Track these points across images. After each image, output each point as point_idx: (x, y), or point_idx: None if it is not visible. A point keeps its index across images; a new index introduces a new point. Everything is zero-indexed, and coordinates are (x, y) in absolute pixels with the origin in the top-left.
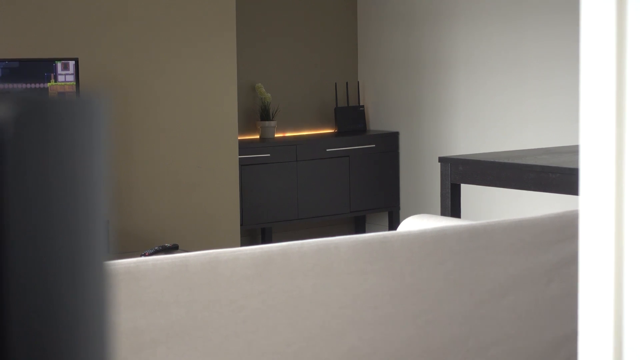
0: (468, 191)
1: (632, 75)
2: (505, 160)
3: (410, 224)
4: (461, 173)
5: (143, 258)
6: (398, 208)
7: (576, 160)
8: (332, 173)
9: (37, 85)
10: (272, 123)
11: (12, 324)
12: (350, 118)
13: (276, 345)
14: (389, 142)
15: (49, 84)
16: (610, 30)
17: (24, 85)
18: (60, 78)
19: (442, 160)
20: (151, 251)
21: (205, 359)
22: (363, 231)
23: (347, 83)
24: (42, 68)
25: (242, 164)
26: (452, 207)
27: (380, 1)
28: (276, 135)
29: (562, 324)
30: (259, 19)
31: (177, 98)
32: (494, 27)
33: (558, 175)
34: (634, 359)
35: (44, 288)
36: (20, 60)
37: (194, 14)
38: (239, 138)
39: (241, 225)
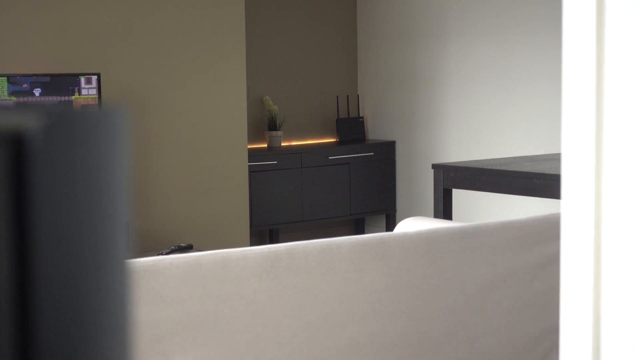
0: (459, 196)
1: (609, 91)
2: (493, 167)
3: (406, 226)
4: (453, 179)
5: (160, 257)
6: (394, 211)
7: (558, 167)
8: (334, 179)
9: (63, 98)
10: (279, 133)
11: (42, 317)
12: (350, 128)
13: (282, 336)
14: (386, 151)
15: (73, 97)
16: (589, 51)
17: (51, 98)
18: (84, 92)
19: (435, 167)
20: (168, 250)
21: (217, 349)
22: (362, 232)
23: (347, 96)
24: (67, 82)
25: (251, 171)
26: (444, 210)
27: (378, 21)
28: (282, 144)
29: (545, 317)
30: (267, 38)
31: (191, 110)
32: (482, 45)
33: (541, 181)
34: (611, 350)
35: (71, 285)
36: (47, 75)
37: (208, 33)
38: (249, 147)
39: (250, 226)
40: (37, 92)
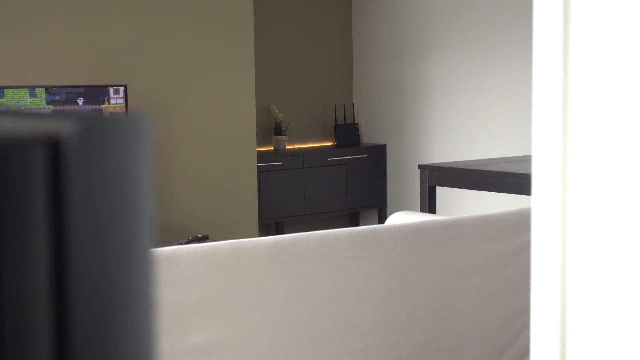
0: (442, 192)
1: (573, 103)
2: (472, 167)
3: (395, 219)
4: (436, 178)
5: (180, 246)
6: (385, 206)
7: (529, 167)
8: (332, 178)
9: (93, 107)
10: (284, 137)
11: (78, 299)
12: (346, 133)
13: (287, 316)
14: (378, 153)
15: (103, 106)
16: (556, 66)
17: (83, 107)
18: (113, 101)
19: (421, 167)
20: (186, 241)
21: (230, 328)
22: (357, 224)
23: (344, 105)
24: (98, 93)
25: (260, 171)
26: (429, 206)
27: (371, 40)
28: (287, 147)
29: (518, 299)
30: (273, 54)
31: (207, 117)
32: (461, 60)
33: (514, 180)
34: (576, 327)
35: (102, 272)
36: (81, 87)
37: (221, 50)
38: (257, 149)
39: (259, 219)
40: (80, 101)
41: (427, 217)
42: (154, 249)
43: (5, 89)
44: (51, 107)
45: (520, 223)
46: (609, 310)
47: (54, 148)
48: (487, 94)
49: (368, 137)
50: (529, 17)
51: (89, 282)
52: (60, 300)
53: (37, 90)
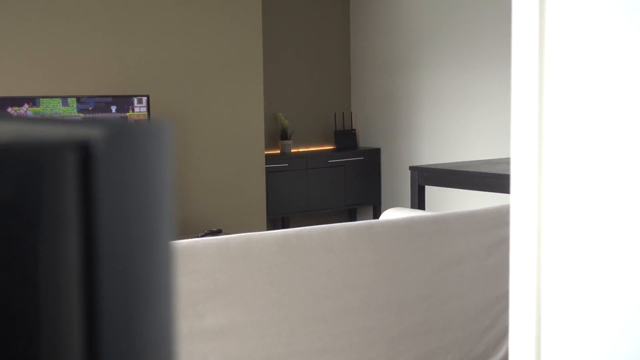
0: (430, 191)
1: (548, 112)
2: (458, 169)
3: (389, 215)
4: (425, 178)
5: (196, 239)
6: (380, 203)
7: (509, 169)
8: (332, 178)
9: (119, 115)
10: (289, 142)
11: (106, 286)
12: (345, 138)
13: (292, 301)
14: (373, 156)
15: (127, 114)
16: (532, 78)
17: (109, 115)
18: (136, 109)
19: (411, 168)
20: (202, 234)
21: (241, 311)
22: (354, 219)
23: (343, 113)
24: (123, 102)
25: (268, 172)
26: (419, 202)
27: (366, 54)
28: (292, 151)
29: (498, 286)
30: (279, 67)
31: (220, 124)
32: (448, 72)
33: (495, 179)
34: (549, 311)
35: (128, 262)
36: (108, 97)
37: (233, 64)
38: (265, 153)
39: (267, 215)
40: (113, 108)
41: (417, 213)
42: (173, 242)
43: (40, 99)
44: (81, 115)
45: (500, 218)
46: (579, 295)
47: (84, 151)
48: (470, 103)
49: (364, 141)
50: (507, 36)
51: (117, 272)
52: (91, 289)
53: (69, 100)
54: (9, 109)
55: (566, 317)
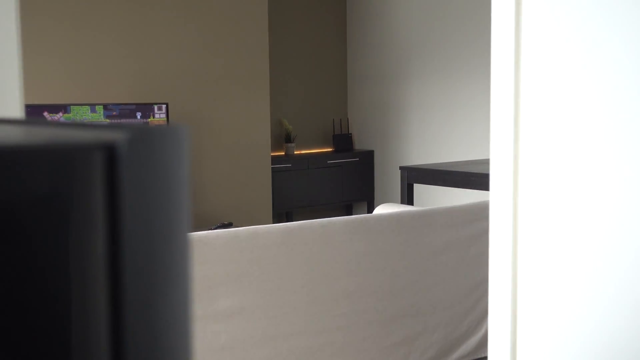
0: (418, 188)
1: (524, 118)
2: (443, 168)
3: (381, 209)
4: (414, 176)
5: (209, 231)
6: (373, 199)
7: (488, 168)
8: (331, 177)
9: (141, 120)
10: (292, 144)
11: (130, 273)
12: (342, 141)
13: (295, 286)
14: (367, 157)
15: (149, 120)
16: (509, 88)
17: (132, 121)
18: (157, 116)
19: (401, 168)
20: (214, 227)
21: (249, 295)
22: (350, 214)
23: (340, 119)
24: (145, 109)
25: (273, 171)
26: (408, 199)
27: (361, 66)
28: (295, 152)
29: (478, 273)
30: (284, 77)
31: (230, 128)
32: (434, 82)
33: (476, 178)
34: (524, 295)
35: (150, 251)
36: (132, 104)
37: (242, 74)
38: (271, 154)
39: (272, 209)
40: (138, 115)
41: (406, 208)
42: (189, 233)
43: (71, 106)
44: (108, 120)
45: (480, 212)
46: (551, 281)
47: (110, 152)
48: (454, 110)
49: (359, 144)
50: (487, 50)
51: (139, 261)
52: (116, 276)
53: (97, 107)
54: (45, 114)
55: (539, 300)
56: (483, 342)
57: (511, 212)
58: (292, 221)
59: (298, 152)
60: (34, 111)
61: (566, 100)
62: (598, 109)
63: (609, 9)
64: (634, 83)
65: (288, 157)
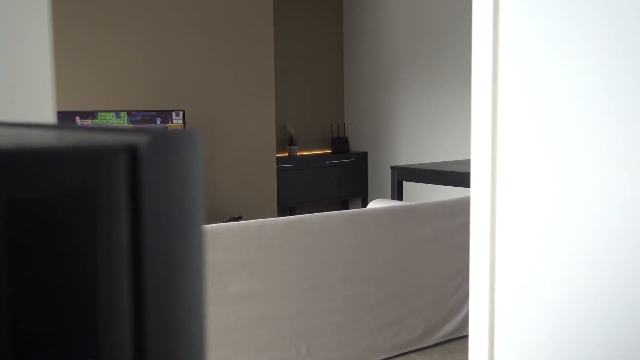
0: (407, 186)
1: (501, 124)
2: (429, 168)
3: (374, 204)
4: (403, 175)
5: (221, 224)
6: (367, 195)
7: (469, 168)
8: (329, 175)
9: (160, 125)
10: (295, 147)
11: (151, 261)
12: (339, 144)
13: (297, 271)
14: (362, 158)
15: (167, 125)
16: (487, 96)
17: (153, 126)
18: (174, 121)
19: (392, 168)
20: (226, 220)
21: (257, 280)
22: (347, 208)
23: (337, 124)
24: (164, 115)
25: (278, 170)
26: (398, 195)
27: (357, 77)
28: (297, 154)
29: (460, 260)
30: (288, 87)
31: (240, 132)
32: (422, 90)
33: (459, 176)
34: (501, 279)
35: (169, 242)
36: (153, 111)
37: (251, 84)
38: (277, 155)
39: (278, 204)
40: (158, 120)
41: (396, 203)
42: (204, 226)
43: (98, 112)
44: (131, 125)
45: (462, 207)
46: (525, 267)
47: (133, 153)
48: (439, 115)
49: (355, 146)
50: (468, 63)
51: (159, 250)
52: (138, 264)
53: (121, 113)
54: (77, 120)
55: (514, 284)
56: (464, 322)
57: (489, 207)
58: (294, 215)
59: (300, 154)
60: (65, 117)
61: (537, 108)
62: (567, 115)
63: (577, 21)
64: (600, 90)
65: (291, 157)
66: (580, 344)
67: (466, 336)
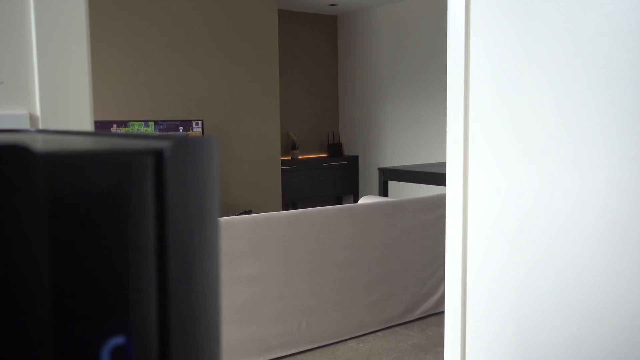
0: (392, 184)
1: (472, 132)
2: (411, 169)
3: (364, 200)
4: (389, 175)
5: (234, 216)
6: (357, 192)
7: (445, 169)
8: (326, 175)
9: (182, 133)
10: (297, 151)
11: (173, 251)
12: (334, 149)
13: (298, 258)
14: (354, 161)
15: (188, 132)
16: (460, 108)
17: (175, 133)
18: (194, 129)
19: (379, 169)
20: (238, 213)
21: (264, 264)
22: (340, 203)
23: (333, 132)
24: (185, 124)
25: (282, 171)
26: (384, 192)
27: (349, 91)
28: (299, 157)
29: (437, 248)
30: (291, 100)
31: (250, 138)
32: (405, 103)
33: (436, 177)
34: (472, 264)
35: (189, 232)
36: (175, 120)
37: (260, 97)
38: (281, 158)
39: (282, 200)
40: (180, 128)
41: (382, 199)
42: (219, 218)
43: (130, 122)
44: (157, 132)
45: (439, 202)
46: (491, 251)
47: (159, 156)
48: (419, 125)
49: (348, 151)
50: (444, 79)
51: (181, 239)
52: (163, 252)
53: (149, 123)
54: (113, 127)
55: (482, 268)
56: (440, 300)
57: (461, 202)
58: (296, 209)
59: (301, 157)
60: (101, 126)
61: (502, 121)
62: (525, 126)
63: (532, 56)
64: (551, 107)
65: (293, 160)
66: (538, 312)
67: (442, 312)
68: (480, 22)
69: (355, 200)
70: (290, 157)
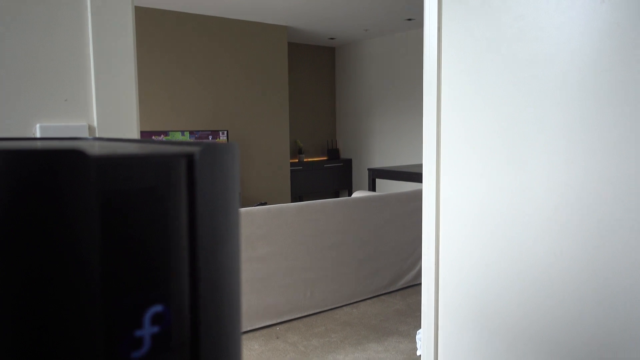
0: (379, 182)
1: (443, 138)
2: (394, 169)
3: (356, 194)
4: (376, 174)
5: (252, 207)
6: (351, 188)
7: (422, 169)
8: (326, 174)
9: (211, 140)
10: (303, 155)
11: (202, 236)
12: (333, 153)
13: (304, 240)
14: (348, 163)
15: (216, 140)
16: (433, 121)
17: (205, 140)
18: (221, 137)
19: (369, 169)
20: (256, 204)
21: (276, 246)
22: (338, 197)
23: (332, 139)
24: (214, 133)
25: (291, 171)
26: (372, 188)
27: (345, 105)
28: (305, 160)
29: (416, 231)
30: (298, 113)
31: (265, 145)
32: (390, 116)
33: (415, 175)
34: (443, 244)
35: (215, 221)
36: (206, 130)
37: (272, 111)
38: (290, 161)
39: (291, 194)
40: (210, 137)
41: (371, 193)
42: (239, 209)
43: (169, 131)
44: (191, 140)
45: (418, 196)
46: (459, 235)
47: (190, 158)
48: (403, 134)
49: (344, 154)
50: (421, 97)
51: (208, 226)
52: (194, 235)
53: (185, 132)
54: (153, 137)
55: (452, 248)
56: (419, 274)
57: (434, 196)
58: (302, 201)
59: (306, 160)
60: (145, 134)
61: (466, 133)
62: (486, 135)
63: (489, 75)
64: (503, 122)
65: (300, 162)
66: (497, 284)
67: (420, 284)
68: (448, 55)
69: (350, 194)
70: (297, 160)
